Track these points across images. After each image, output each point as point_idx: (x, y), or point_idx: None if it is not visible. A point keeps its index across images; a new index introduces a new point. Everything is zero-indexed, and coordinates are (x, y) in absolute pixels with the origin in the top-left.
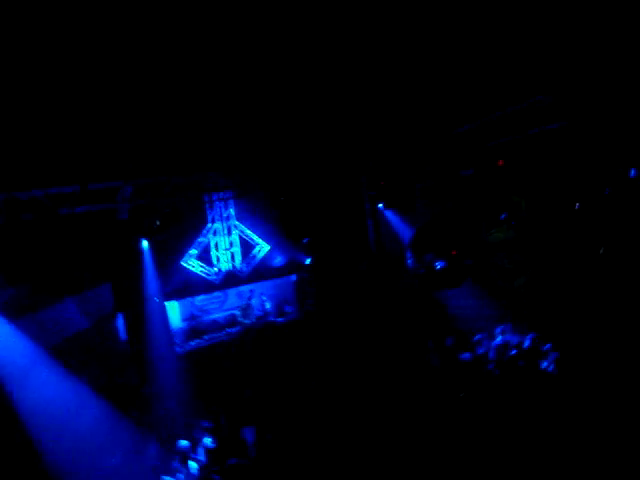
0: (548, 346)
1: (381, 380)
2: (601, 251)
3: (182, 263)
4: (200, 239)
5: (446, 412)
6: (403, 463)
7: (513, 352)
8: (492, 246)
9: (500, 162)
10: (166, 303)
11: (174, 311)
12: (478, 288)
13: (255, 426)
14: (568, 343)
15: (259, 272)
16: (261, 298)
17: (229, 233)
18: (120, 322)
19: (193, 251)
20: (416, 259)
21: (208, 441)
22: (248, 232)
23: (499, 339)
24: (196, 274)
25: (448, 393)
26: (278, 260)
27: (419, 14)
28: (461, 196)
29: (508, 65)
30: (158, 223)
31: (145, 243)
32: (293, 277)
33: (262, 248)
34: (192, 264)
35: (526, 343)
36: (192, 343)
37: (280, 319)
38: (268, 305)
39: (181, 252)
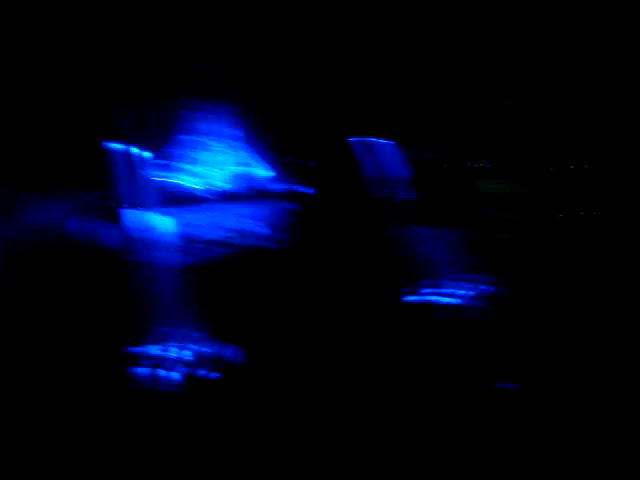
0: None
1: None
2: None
3: (178, 176)
4: (195, 153)
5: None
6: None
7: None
8: (481, 196)
9: (508, 103)
10: (157, 217)
11: (165, 225)
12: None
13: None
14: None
15: (256, 195)
16: (256, 222)
17: (229, 151)
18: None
19: (186, 165)
20: (401, 192)
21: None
22: (248, 152)
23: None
24: (192, 189)
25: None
26: (277, 185)
27: None
28: (459, 136)
29: None
30: (154, 133)
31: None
32: (290, 204)
33: (262, 171)
34: (186, 178)
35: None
36: (182, 259)
37: (274, 245)
38: (264, 231)
39: (174, 166)
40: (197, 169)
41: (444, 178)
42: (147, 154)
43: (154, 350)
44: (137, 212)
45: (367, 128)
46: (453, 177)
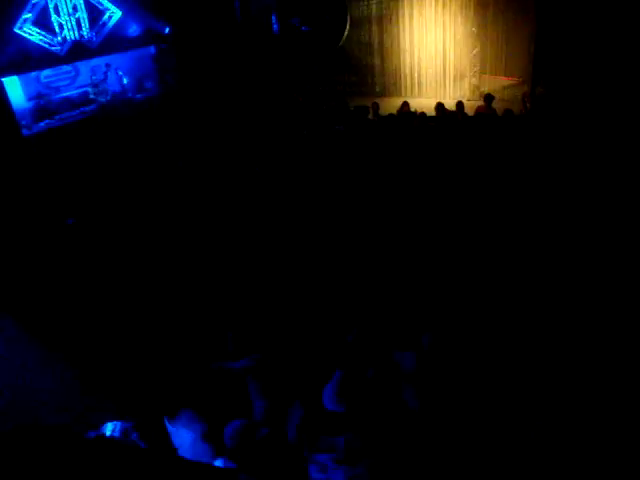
0: None
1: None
2: None
3: (16, 30)
4: (34, 1)
5: None
6: None
7: None
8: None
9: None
10: (3, 79)
11: (15, 88)
12: None
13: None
14: None
15: (112, 42)
16: (117, 73)
17: None
18: None
19: (27, 15)
20: (281, 24)
21: None
22: None
23: None
24: (36, 44)
25: None
26: (133, 29)
27: None
28: None
29: None
30: None
31: None
32: (152, 49)
33: (113, 14)
34: (29, 31)
35: None
36: (42, 124)
37: (139, 95)
38: (125, 80)
39: (13, 16)
40: (41, 20)
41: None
42: None
43: None
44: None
45: None
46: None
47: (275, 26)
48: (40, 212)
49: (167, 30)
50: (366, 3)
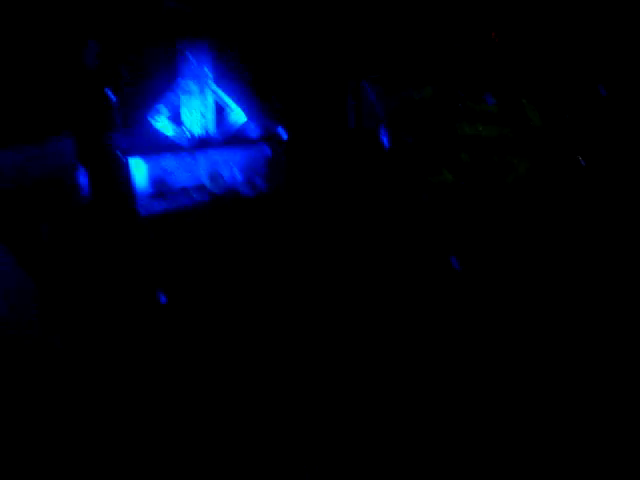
0: None
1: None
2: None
3: (150, 121)
4: (171, 97)
5: None
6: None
7: None
8: (463, 139)
9: (493, 34)
10: (131, 161)
11: (140, 173)
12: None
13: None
14: None
15: (232, 139)
16: (232, 168)
17: (203, 94)
18: (82, 177)
19: (163, 109)
20: (393, 138)
21: None
22: (223, 95)
23: None
24: (165, 135)
25: None
26: (254, 131)
27: None
28: (443, 76)
29: None
30: (126, 74)
31: (111, 94)
32: (267, 149)
33: (237, 114)
34: (161, 122)
35: None
36: (156, 206)
37: (250, 192)
38: (239, 176)
39: (150, 109)
40: (171, 113)
41: (428, 121)
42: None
43: None
44: (126, 158)
45: (349, 67)
46: (437, 119)
47: (385, 140)
48: (140, 287)
49: (284, 135)
50: None
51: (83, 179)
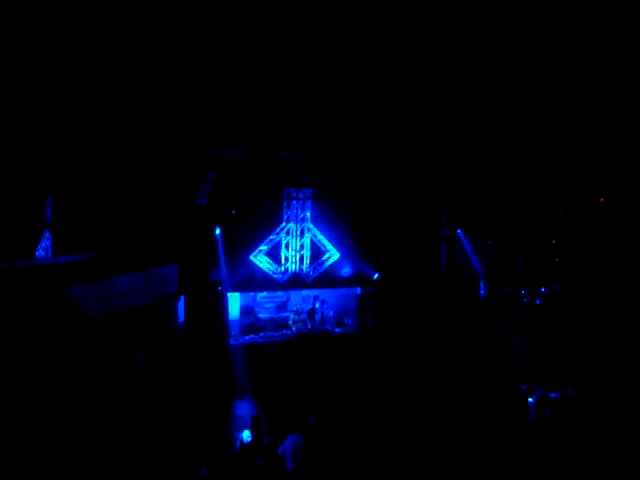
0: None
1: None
2: None
3: (251, 257)
4: (272, 236)
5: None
6: None
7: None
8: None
9: (602, 200)
10: (229, 296)
11: (234, 303)
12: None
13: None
14: None
15: (325, 279)
16: (323, 306)
17: (302, 235)
18: (181, 305)
19: (263, 247)
20: (489, 290)
21: (246, 434)
22: (320, 237)
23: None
24: (263, 270)
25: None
26: (345, 270)
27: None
28: (549, 231)
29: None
30: (234, 212)
31: (218, 231)
32: (357, 290)
33: (332, 255)
34: (260, 260)
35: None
36: (247, 337)
37: (338, 329)
38: (329, 313)
39: (252, 246)
40: (271, 252)
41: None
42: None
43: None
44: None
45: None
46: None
47: (482, 291)
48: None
49: (376, 276)
50: None
51: (181, 308)
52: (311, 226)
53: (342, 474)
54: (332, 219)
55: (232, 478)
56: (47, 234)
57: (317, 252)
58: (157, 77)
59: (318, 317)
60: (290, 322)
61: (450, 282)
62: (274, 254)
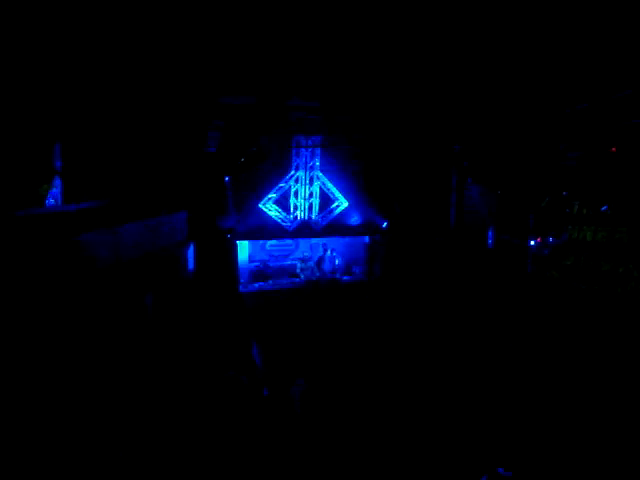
0: None
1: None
2: None
3: (260, 205)
4: (281, 184)
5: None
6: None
7: None
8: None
9: (614, 149)
10: (238, 244)
11: (243, 251)
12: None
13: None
14: None
15: (334, 227)
16: (331, 254)
17: (311, 183)
18: (190, 252)
19: (272, 195)
20: (496, 239)
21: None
22: (330, 185)
23: None
24: (271, 218)
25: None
26: (354, 219)
27: None
28: (558, 182)
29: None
30: (243, 160)
31: (227, 179)
32: (366, 238)
33: (341, 204)
34: (269, 208)
35: None
36: (256, 285)
37: (346, 278)
38: (337, 262)
39: (261, 195)
40: (280, 200)
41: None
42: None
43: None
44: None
45: (464, 168)
46: (548, 223)
47: (490, 240)
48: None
49: (384, 225)
50: None
51: (191, 255)
52: (320, 174)
53: (346, 421)
54: (341, 167)
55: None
56: (57, 182)
57: (326, 200)
58: (167, 22)
59: (326, 265)
60: (298, 270)
61: (458, 231)
62: (283, 202)
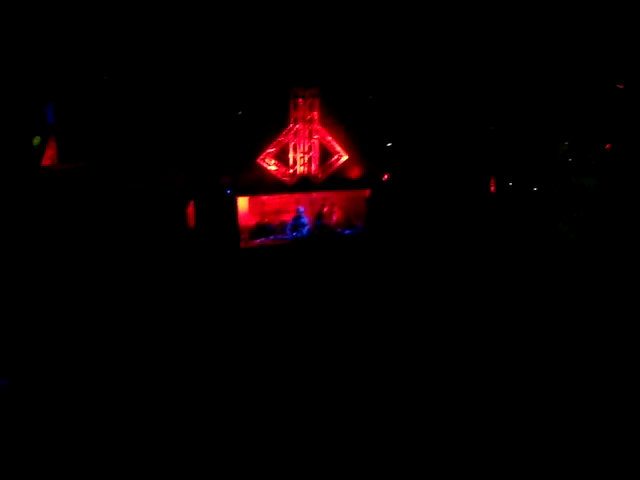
0: None
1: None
2: None
3: (259, 161)
4: (280, 138)
5: None
6: None
7: None
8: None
9: (622, 86)
10: (238, 200)
11: (244, 207)
12: None
13: None
14: None
15: (333, 181)
16: (332, 208)
17: (310, 137)
18: (190, 209)
19: (271, 150)
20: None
21: None
22: (329, 138)
23: None
24: (271, 173)
25: None
26: (354, 172)
27: None
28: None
29: None
30: (240, 113)
31: (224, 135)
32: (366, 192)
33: (340, 157)
34: (268, 163)
35: None
36: (257, 241)
37: (347, 231)
38: (338, 216)
39: (259, 149)
40: (279, 154)
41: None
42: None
43: None
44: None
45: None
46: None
47: (493, 187)
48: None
49: (385, 177)
50: None
51: (191, 212)
52: (319, 127)
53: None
54: (341, 120)
55: None
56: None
57: (325, 154)
58: None
59: (327, 219)
60: (299, 225)
61: (459, 179)
62: (282, 157)
